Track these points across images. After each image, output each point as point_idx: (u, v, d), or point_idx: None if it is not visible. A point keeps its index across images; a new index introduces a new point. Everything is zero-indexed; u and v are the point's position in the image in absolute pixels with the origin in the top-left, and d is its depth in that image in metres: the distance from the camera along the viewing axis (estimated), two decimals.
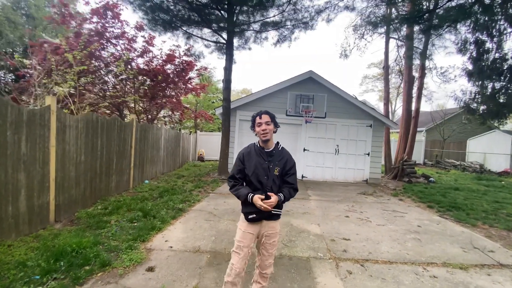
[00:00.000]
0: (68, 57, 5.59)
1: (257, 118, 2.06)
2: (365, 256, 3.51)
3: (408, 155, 11.40)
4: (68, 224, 3.90)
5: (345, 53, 14.83)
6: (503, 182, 11.71)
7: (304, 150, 9.87)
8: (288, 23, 8.53)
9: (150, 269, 2.81)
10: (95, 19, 8.85)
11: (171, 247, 3.43)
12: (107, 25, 9.10)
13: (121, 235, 3.56)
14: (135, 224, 4.08)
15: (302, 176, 9.84)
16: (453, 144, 20.14)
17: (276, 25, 8.61)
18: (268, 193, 2.01)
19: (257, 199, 1.92)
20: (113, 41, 9.26)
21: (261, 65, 69.69)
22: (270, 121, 2.04)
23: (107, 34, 9.01)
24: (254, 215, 2.00)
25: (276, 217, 2.09)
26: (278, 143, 2.18)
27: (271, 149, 2.11)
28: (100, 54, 8.80)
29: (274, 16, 8.45)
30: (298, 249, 3.61)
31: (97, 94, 9.09)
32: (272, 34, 9.11)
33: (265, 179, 2.02)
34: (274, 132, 2.10)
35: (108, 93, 9.57)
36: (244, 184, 2.13)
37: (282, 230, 4.32)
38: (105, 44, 9.01)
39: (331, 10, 8.27)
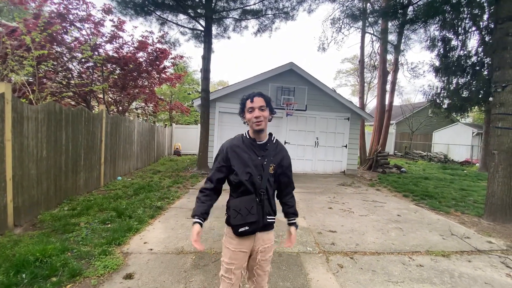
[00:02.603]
0: (26, 40, 4.89)
1: (248, 101, 1.59)
2: (353, 248, 3.50)
3: (382, 146, 11.84)
4: (29, 228, 3.44)
5: (323, 46, 14.94)
6: (465, 171, 12.62)
7: (285, 143, 9.82)
8: (269, 12, 8.30)
9: (129, 276, 2.53)
10: None
11: (151, 249, 3.14)
12: (70, 6, 8.21)
13: (92, 239, 3.19)
14: (109, 225, 3.71)
15: None
16: (420, 136, 21.41)
17: (256, 14, 8.33)
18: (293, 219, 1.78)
19: (194, 233, 1.51)
20: (78, 24, 8.41)
21: (237, 58, 68.65)
22: (264, 106, 1.58)
23: (70, 16, 8.15)
24: (247, 227, 1.54)
25: (272, 225, 1.69)
26: (271, 134, 1.75)
27: (264, 141, 1.66)
28: (63, 39, 7.95)
29: (254, 4, 8.17)
30: None
31: (60, 83, 8.25)
32: (253, 23, 8.87)
33: (258, 180, 1.57)
34: (269, 120, 1.67)
35: (72, 81, 8.74)
36: (230, 188, 1.68)
37: None
38: (69, 27, 8.14)
39: (313, 0, 8.15)
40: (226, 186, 1.71)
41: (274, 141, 1.72)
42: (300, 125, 9.91)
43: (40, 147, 3.78)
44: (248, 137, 1.66)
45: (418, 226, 4.52)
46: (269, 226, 1.65)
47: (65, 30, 7.88)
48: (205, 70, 8.06)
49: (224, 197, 1.74)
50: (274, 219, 1.67)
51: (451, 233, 4.24)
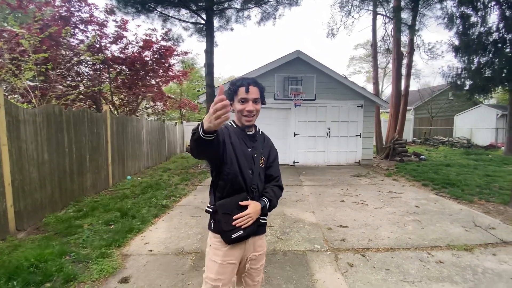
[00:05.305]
0: (23, 43, 4.92)
1: (242, 90, 1.34)
2: (365, 245, 3.25)
3: (399, 134, 11.26)
4: (33, 232, 3.45)
5: (332, 32, 14.34)
6: (490, 156, 11.84)
7: (295, 135, 9.54)
8: None
9: (124, 280, 2.44)
10: (58, 2, 8.00)
11: (151, 250, 3.05)
12: (72, 9, 8.27)
13: (93, 241, 3.14)
14: (112, 226, 3.67)
15: (294, 162, 9.56)
16: (440, 121, 20.31)
17: (258, 2, 8.02)
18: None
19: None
20: (81, 27, 8.46)
21: (242, 50, 67.96)
22: (259, 99, 1.38)
23: (73, 19, 8.20)
24: (241, 232, 1.30)
25: (264, 228, 1.50)
26: (255, 125, 1.54)
27: (253, 132, 1.49)
28: (68, 42, 8.02)
29: None
30: (293, 242, 3.31)
31: (68, 86, 8.38)
32: (255, 12, 8.55)
33: (249, 174, 1.38)
34: None
35: (81, 84, 8.86)
36: (214, 186, 1.41)
37: (275, 221, 4.01)
38: (73, 30, 8.20)
39: None
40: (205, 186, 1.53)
41: (260, 132, 1.55)
42: (310, 116, 9.56)
43: (40, 150, 3.78)
44: (235, 126, 1.45)
45: (438, 217, 4.18)
46: (261, 229, 1.46)
47: (70, 33, 7.96)
48: (209, 65, 7.89)
49: (197, 196, 1.57)
50: (266, 220, 1.48)
51: (474, 224, 3.88)
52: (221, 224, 1.30)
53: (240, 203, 1.33)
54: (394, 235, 3.52)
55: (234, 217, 1.30)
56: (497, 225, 3.85)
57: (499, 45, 9.76)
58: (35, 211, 3.66)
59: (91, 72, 9.39)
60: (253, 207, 1.34)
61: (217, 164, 1.34)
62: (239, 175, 1.34)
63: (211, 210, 1.37)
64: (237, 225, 1.29)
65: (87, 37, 8.63)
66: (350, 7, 12.84)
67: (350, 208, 4.67)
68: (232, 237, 1.29)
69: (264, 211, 1.40)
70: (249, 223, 1.32)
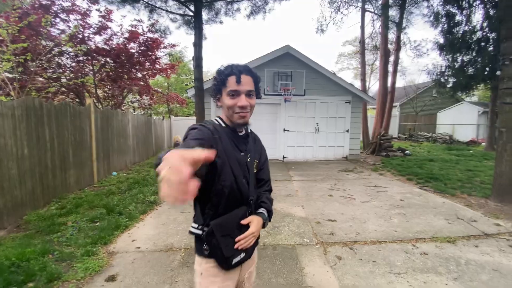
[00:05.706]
0: (0, 32, 4.64)
1: (232, 80, 1.07)
2: (353, 238, 3.31)
3: (385, 130, 11.51)
4: (14, 230, 3.30)
5: (321, 28, 14.34)
6: (471, 151, 12.30)
7: (284, 130, 9.56)
8: None
9: (111, 278, 2.38)
10: None
11: (139, 247, 2.99)
12: None
13: (78, 239, 3.04)
14: (97, 224, 3.57)
15: (283, 157, 9.60)
16: (424, 118, 20.91)
17: None
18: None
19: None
20: (63, 16, 8.08)
21: (236, 46, 67.30)
22: (253, 91, 1.11)
23: (53, 8, 7.81)
24: (243, 255, 1.13)
25: (258, 240, 1.28)
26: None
27: (244, 132, 1.21)
28: (48, 32, 7.64)
29: None
30: (282, 236, 3.33)
31: (49, 78, 8.02)
32: (245, 5, 8.41)
33: (245, 184, 1.13)
34: None
35: (63, 77, 8.50)
36: (202, 202, 1.11)
37: None
38: (53, 20, 7.82)
39: None
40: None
41: (250, 131, 1.27)
42: (300, 111, 9.60)
43: (20, 145, 3.60)
44: (224, 125, 1.15)
45: (422, 210, 4.31)
46: (257, 241, 1.25)
47: (50, 22, 7.58)
48: (197, 58, 7.74)
49: None
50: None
51: (457, 217, 4.03)
52: (221, 249, 1.06)
53: (242, 222, 1.11)
54: (381, 228, 3.60)
55: (237, 238, 1.08)
56: (479, 218, 4.01)
57: (483, 43, 10.10)
58: (15, 209, 3.50)
59: (74, 64, 9.01)
60: (257, 224, 1.13)
61: (203, 180, 1.00)
62: (235, 187, 1.10)
63: (200, 232, 1.10)
64: (240, 247, 1.08)
65: (69, 27, 8.25)
66: (339, 3, 12.91)
67: (338, 202, 4.74)
68: (233, 262, 1.10)
69: (265, 225, 1.22)
70: (252, 243, 1.13)
